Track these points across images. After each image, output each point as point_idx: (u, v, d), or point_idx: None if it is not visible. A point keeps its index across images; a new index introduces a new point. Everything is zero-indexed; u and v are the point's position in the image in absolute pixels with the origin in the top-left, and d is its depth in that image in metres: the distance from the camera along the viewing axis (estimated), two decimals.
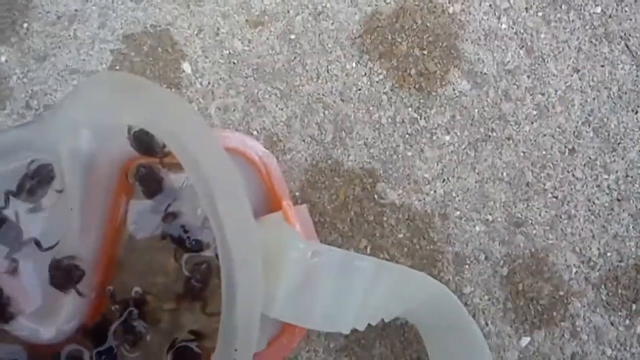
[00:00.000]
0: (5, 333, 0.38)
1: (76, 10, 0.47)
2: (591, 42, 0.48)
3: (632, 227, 0.45)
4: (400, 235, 0.45)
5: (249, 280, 0.31)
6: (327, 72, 0.47)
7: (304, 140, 0.45)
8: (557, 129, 0.46)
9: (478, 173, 0.45)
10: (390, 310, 0.35)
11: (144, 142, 0.37)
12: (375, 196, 0.45)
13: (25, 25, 0.46)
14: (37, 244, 0.38)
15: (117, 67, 0.46)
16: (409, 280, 0.36)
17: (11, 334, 0.38)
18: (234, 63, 0.46)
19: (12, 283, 0.38)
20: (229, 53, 0.47)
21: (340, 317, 0.32)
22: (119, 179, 0.39)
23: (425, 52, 0.47)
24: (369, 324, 0.36)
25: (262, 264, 0.31)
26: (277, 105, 0.46)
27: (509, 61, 0.47)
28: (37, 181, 0.39)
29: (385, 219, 0.45)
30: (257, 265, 0.31)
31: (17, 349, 0.38)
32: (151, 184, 0.39)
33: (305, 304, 0.31)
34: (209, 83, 0.46)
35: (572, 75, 0.47)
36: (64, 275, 0.37)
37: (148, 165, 0.39)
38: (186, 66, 0.46)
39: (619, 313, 0.44)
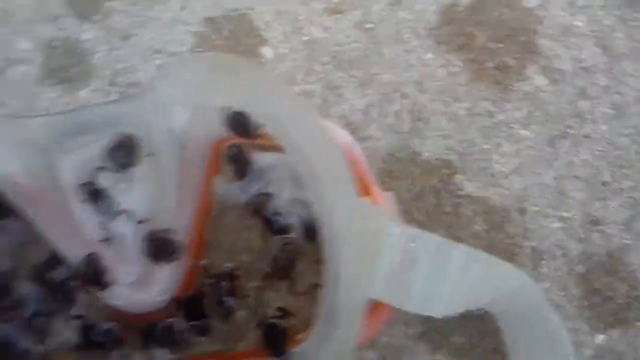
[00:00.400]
0: (101, 302, 0.38)
1: None
2: None
3: None
4: (477, 228, 0.44)
5: (353, 262, 0.31)
6: (404, 61, 0.47)
7: (381, 129, 0.45)
8: (634, 129, 0.46)
9: (555, 170, 0.45)
10: (479, 299, 0.35)
11: (239, 123, 0.37)
12: (453, 188, 0.45)
13: (108, 4, 0.47)
14: (129, 215, 0.38)
15: (199, 49, 0.46)
16: (498, 269, 0.35)
17: (107, 303, 0.38)
18: (312, 50, 0.46)
19: (108, 253, 0.38)
20: (308, 40, 0.47)
21: (434, 302, 0.32)
22: (210, 158, 0.39)
23: (501, 45, 0.47)
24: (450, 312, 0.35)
25: (362, 246, 0.31)
26: (355, 93, 0.46)
27: (585, 59, 0.47)
28: (125, 154, 0.39)
29: (462, 210, 0.44)
30: (360, 247, 0.31)
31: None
32: (241, 165, 0.39)
33: (402, 287, 0.31)
34: (288, 69, 0.46)
35: None
36: (160, 248, 0.37)
37: (239, 145, 0.39)
38: (266, 51, 0.46)
39: None
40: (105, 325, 0.38)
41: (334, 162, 0.30)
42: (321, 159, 0.30)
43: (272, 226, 0.38)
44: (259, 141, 0.38)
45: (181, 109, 0.37)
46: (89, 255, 0.38)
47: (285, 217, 0.38)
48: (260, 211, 0.38)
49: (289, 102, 0.32)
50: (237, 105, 0.36)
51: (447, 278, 0.32)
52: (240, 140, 0.38)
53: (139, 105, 0.38)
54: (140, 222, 0.37)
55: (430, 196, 0.45)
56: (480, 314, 0.43)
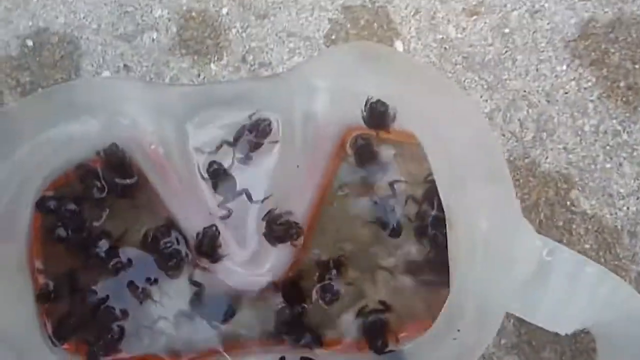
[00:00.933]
0: (211, 276, 0.41)
1: None
2: None
3: None
4: (587, 246, 0.44)
5: (487, 269, 0.32)
6: (536, 70, 0.47)
7: (504, 135, 0.46)
8: None
9: None
10: (598, 318, 0.35)
11: (377, 113, 0.38)
12: (568, 203, 0.45)
13: None
14: (248, 195, 0.40)
15: (332, 37, 0.47)
16: (624, 292, 0.35)
17: (216, 277, 0.40)
18: (445, 49, 0.47)
19: (225, 230, 0.41)
20: (442, 38, 0.47)
21: (562, 318, 0.32)
22: (337, 145, 0.40)
23: (637, 66, 0.47)
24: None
25: (499, 253, 0.32)
26: (481, 96, 0.46)
27: None
28: (254, 134, 0.40)
29: (574, 226, 0.45)
30: (497, 254, 0.32)
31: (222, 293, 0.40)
32: (366, 155, 0.40)
33: (533, 299, 0.32)
34: None
35: None
36: (280, 230, 0.39)
37: (366, 137, 0.40)
38: (398, 44, 0.47)
39: None
40: (221, 298, 0.40)
41: (495, 167, 0.30)
42: (479, 161, 0.30)
43: (386, 226, 0.39)
44: (387, 134, 0.39)
45: (322, 94, 0.39)
46: (208, 227, 0.40)
47: (397, 216, 0.39)
48: (375, 203, 0.39)
49: (451, 98, 0.32)
50: (381, 95, 0.37)
51: (578, 295, 0.32)
52: (370, 131, 0.39)
53: (278, 87, 0.39)
54: (256, 202, 0.39)
55: (544, 208, 0.45)
56: (576, 332, 0.43)
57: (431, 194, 0.39)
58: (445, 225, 0.35)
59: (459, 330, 0.32)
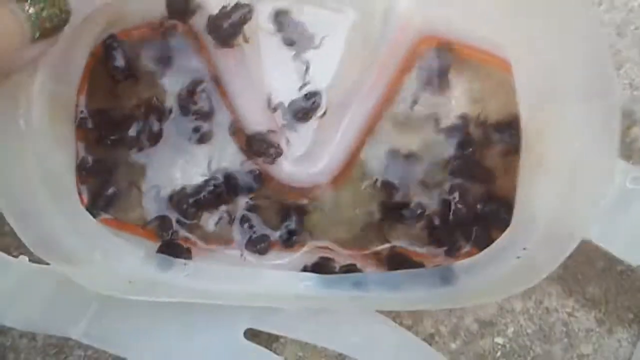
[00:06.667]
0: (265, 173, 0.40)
1: None
2: None
3: None
4: None
5: (566, 192, 0.31)
6: (611, 2, 0.45)
7: None
8: None
9: None
10: None
11: None
12: (628, 140, 0.44)
13: None
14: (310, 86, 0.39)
15: None
16: None
17: (270, 174, 0.39)
18: None
19: (281, 128, 0.40)
20: None
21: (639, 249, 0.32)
22: (408, 53, 0.38)
23: None
24: None
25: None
26: None
27: None
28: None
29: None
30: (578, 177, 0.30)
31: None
32: (437, 73, 0.39)
33: (612, 228, 0.31)
34: None
35: None
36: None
37: (444, 47, 0.38)
38: None
39: None
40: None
41: (602, 80, 0.29)
42: (582, 74, 0.28)
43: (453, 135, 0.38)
44: (464, 49, 0.37)
45: None
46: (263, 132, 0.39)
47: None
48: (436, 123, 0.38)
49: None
50: None
51: None
52: (446, 44, 0.37)
53: None
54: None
55: None
56: (624, 269, 0.43)
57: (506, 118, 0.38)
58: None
59: (524, 249, 0.32)
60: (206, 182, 0.39)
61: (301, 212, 0.40)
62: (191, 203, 0.38)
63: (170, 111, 0.39)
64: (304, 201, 0.40)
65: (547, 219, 0.32)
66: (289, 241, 0.39)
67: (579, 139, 0.30)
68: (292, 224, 0.39)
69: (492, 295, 0.31)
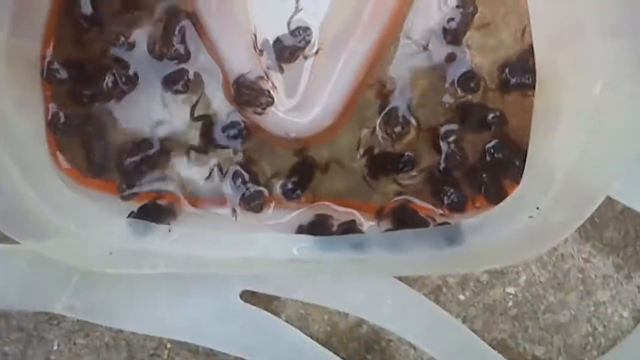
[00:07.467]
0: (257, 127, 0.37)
1: None
2: None
3: None
4: None
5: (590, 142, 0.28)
6: None
7: None
8: None
9: None
10: None
11: None
12: None
13: None
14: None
15: None
16: None
17: (262, 126, 0.36)
18: None
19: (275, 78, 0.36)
20: None
21: None
22: None
23: None
24: None
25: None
26: None
27: None
28: None
29: None
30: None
31: None
32: None
33: (637, 183, 0.28)
34: None
35: None
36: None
37: None
38: None
39: None
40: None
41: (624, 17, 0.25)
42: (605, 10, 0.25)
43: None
44: None
45: None
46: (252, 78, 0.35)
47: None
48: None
49: None
50: None
51: None
52: None
53: None
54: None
55: None
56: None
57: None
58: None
59: (538, 208, 0.29)
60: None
61: (297, 165, 0.36)
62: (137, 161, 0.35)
63: (145, 57, 0.35)
64: (299, 153, 0.36)
65: (563, 173, 0.29)
66: (287, 195, 0.36)
67: (600, 81, 0.26)
68: (288, 179, 0.36)
69: (503, 260, 0.29)
